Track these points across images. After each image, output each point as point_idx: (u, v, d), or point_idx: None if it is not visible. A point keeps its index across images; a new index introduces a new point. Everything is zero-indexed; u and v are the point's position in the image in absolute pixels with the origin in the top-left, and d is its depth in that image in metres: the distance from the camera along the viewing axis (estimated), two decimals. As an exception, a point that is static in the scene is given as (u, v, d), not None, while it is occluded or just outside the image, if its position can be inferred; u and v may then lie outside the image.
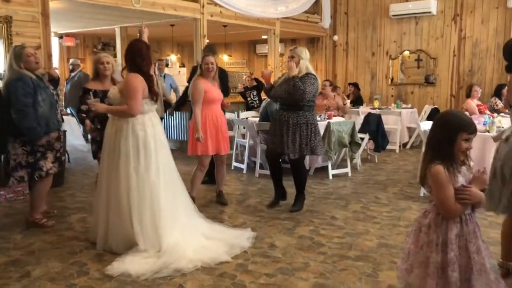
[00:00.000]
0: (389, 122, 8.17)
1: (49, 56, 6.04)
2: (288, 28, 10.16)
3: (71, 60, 8.94)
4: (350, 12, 11.27)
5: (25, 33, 5.67)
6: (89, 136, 4.38)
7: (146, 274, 3.11)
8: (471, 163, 2.13)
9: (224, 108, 5.07)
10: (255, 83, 8.90)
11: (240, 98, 9.37)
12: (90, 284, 3.02)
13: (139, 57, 3.54)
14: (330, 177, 6.10)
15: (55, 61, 9.26)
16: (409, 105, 9.61)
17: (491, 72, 9.39)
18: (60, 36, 11.00)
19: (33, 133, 3.87)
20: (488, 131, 5.10)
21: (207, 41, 8.37)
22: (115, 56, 9.94)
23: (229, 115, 6.31)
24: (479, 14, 9.42)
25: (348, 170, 6.32)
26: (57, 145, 4.15)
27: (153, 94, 3.62)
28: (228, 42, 12.58)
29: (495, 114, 6.22)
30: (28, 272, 3.21)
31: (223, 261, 3.34)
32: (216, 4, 8.25)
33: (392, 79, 10.81)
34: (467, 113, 6.74)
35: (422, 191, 5.17)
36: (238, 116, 7.41)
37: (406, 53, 10.49)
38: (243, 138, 6.82)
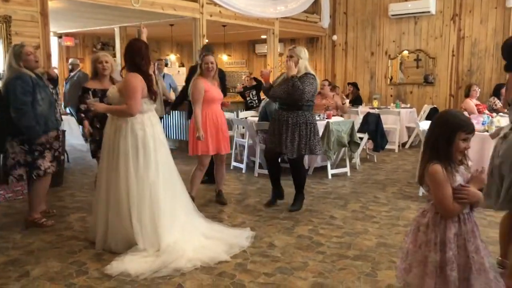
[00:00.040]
0: (388, 121, 8.17)
1: (48, 56, 6.03)
2: (287, 28, 10.17)
3: (70, 60, 8.94)
4: (349, 11, 11.28)
5: (24, 32, 5.67)
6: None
7: (145, 274, 3.11)
8: (469, 163, 2.14)
9: (225, 107, 5.07)
10: (254, 83, 8.91)
11: (239, 98, 9.38)
12: (89, 284, 3.02)
13: (138, 56, 3.54)
14: (329, 176, 6.11)
15: (54, 61, 9.26)
16: (408, 105, 9.62)
17: (490, 72, 9.40)
18: (59, 36, 11.00)
19: (32, 132, 3.87)
20: (487, 131, 5.10)
21: (207, 40, 8.37)
22: (114, 56, 9.94)
23: (228, 115, 6.31)
24: (478, 14, 9.43)
25: (347, 169, 6.33)
26: (55, 144, 4.16)
27: (152, 94, 3.62)
28: (228, 42, 12.58)
29: (494, 114, 6.23)
30: (27, 271, 3.21)
31: (222, 261, 3.35)
32: (215, 4, 8.25)
33: (391, 79, 10.82)
34: (466, 112, 6.76)
35: (421, 191, 5.18)
36: (237, 116, 7.41)
37: (405, 53, 10.50)
38: (242, 138, 6.83)
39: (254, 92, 8.73)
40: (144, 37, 3.93)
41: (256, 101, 8.65)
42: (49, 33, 6.13)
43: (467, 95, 7.53)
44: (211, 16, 8.27)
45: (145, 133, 3.52)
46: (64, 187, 5.71)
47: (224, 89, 5.81)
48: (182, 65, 12.94)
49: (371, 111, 7.77)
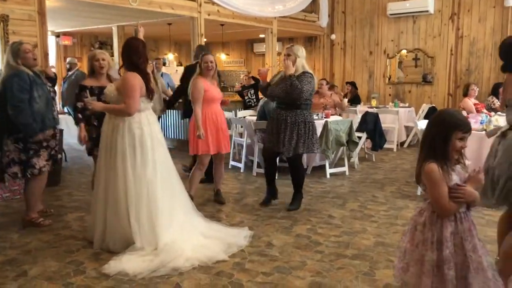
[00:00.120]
0: (387, 121, 8.16)
1: (45, 55, 6.02)
2: (285, 27, 10.16)
3: (68, 59, 8.92)
4: (348, 11, 11.28)
5: (21, 31, 5.65)
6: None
7: (143, 273, 3.10)
8: (466, 162, 2.14)
9: (224, 105, 5.07)
10: (252, 82, 8.89)
11: (237, 97, 9.37)
12: (87, 283, 3.02)
13: (135, 55, 3.54)
14: (328, 176, 6.11)
15: (52, 60, 9.24)
16: (407, 104, 9.62)
17: (488, 71, 9.41)
18: (57, 35, 10.97)
19: (29, 129, 3.86)
20: (485, 130, 5.11)
21: (205, 40, 8.36)
22: (112, 55, 9.92)
23: (226, 114, 6.31)
24: (476, 13, 9.43)
25: (345, 169, 6.33)
26: (52, 143, 4.14)
27: (149, 92, 3.62)
28: (226, 41, 12.57)
29: (492, 113, 6.23)
30: (25, 271, 3.20)
31: (220, 260, 3.34)
32: (213, 3, 8.24)
33: (389, 78, 10.82)
34: (464, 112, 6.76)
35: (419, 190, 5.17)
36: (236, 115, 7.40)
37: (404, 52, 10.50)
38: (241, 137, 6.82)
39: (252, 91, 8.72)
40: (141, 36, 3.93)
41: (255, 100, 8.64)
42: (46, 32, 6.11)
43: (466, 94, 7.53)
44: (209, 15, 8.26)
45: (143, 132, 3.52)
46: (62, 186, 5.70)
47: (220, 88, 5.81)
48: (180, 64, 12.92)
49: (370, 110, 7.77)
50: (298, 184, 4.72)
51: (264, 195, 4.88)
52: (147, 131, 3.54)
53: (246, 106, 8.62)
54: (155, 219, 3.47)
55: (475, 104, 7.27)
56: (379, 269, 3.23)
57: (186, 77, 5.86)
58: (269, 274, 3.15)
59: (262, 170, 5.99)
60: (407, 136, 8.80)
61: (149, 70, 3.67)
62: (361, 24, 11.08)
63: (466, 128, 2.05)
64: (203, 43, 8.15)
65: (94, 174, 4.09)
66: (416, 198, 5.06)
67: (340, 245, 3.70)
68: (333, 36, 11.56)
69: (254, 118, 6.55)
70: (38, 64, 4.27)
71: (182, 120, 8.04)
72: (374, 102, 9.29)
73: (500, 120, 5.31)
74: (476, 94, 7.60)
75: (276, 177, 4.94)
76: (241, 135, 6.95)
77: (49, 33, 7.45)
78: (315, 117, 6.14)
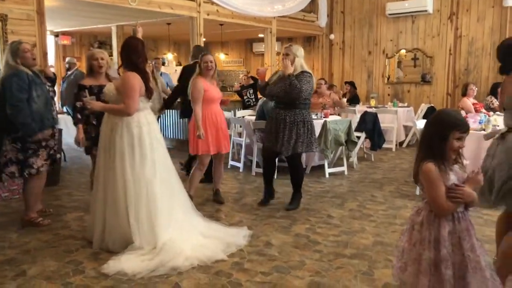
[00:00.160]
0: (386, 120, 8.17)
1: (44, 55, 6.01)
2: (284, 26, 10.16)
3: (67, 59, 8.91)
4: (347, 10, 11.28)
5: (20, 31, 5.65)
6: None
7: (142, 273, 3.11)
8: (465, 161, 2.14)
9: (225, 105, 5.08)
10: (251, 82, 8.90)
11: (236, 97, 9.37)
12: (86, 283, 3.02)
13: (134, 54, 3.54)
14: (327, 175, 6.11)
15: (51, 60, 9.23)
16: (406, 104, 9.63)
17: (487, 71, 9.42)
18: (56, 35, 10.96)
19: (28, 129, 3.86)
20: (484, 130, 5.11)
21: (204, 39, 8.35)
22: (111, 54, 9.91)
23: (225, 114, 6.32)
24: (475, 12, 9.44)
25: (344, 168, 6.33)
26: (51, 143, 4.14)
27: (148, 92, 3.62)
28: (225, 40, 12.58)
29: (491, 113, 6.24)
30: (24, 271, 3.20)
31: (219, 260, 3.35)
32: (212, 3, 8.24)
33: (388, 78, 10.83)
34: (463, 111, 6.77)
35: (418, 190, 5.18)
36: (235, 115, 7.41)
37: (403, 51, 10.51)
38: (240, 137, 6.82)
39: (251, 91, 8.73)
40: (139, 36, 3.93)
41: (254, 100, 8.64)
42: (45, 31, 6.10)
43: (464, 94, 7.54)
44: (208, 15, 8.26)
45: (141, 131, 3.52)
46: (61, 186, 5.70)
47: None
48: (179, 64, 12.92)
49: (369, 110, 7.77)
50: (297, 183, 4.73)
51: (262, 195, 4.88)
52: (146, 130, 3.55)
53: (245, 106, 8.63)
54: (154, 218, 3.47)
55: (473, 104, 7.28)
56: (377, 268, 3.23)
57: (184, 77, 5.87)
58: (268, 273, 3.16)
59: (261, 170, 5.99)
60: (406, 135, 8.80)
61: (148, 70, 3.67)
62: (360, 24, 11.09)
63: (464, 128, 2.05)
64: (202, 43, 8.16)
65: (93, 174, 4.10)
66: (414, 198, 5.06)
67: (339, 244, 3.70)
68: (332, 36, 11.56)
69: (253, 118, 6.56)
70: (37, 63, 4.27)
71: (181, 120, 8.04)
72: (373, 102, 9.29)
73: (498, 120, 5.31)
74: (475, 93, 7.61)
75: (275, 177, 4.95)
76: (240, 134, 6.95)
77: (48, 32, 7.44)
78: (314, 116, 6.15)
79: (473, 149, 4.71)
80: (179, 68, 12.08)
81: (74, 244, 3.69)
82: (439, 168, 2.03)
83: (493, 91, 7.46)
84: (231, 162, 6.72)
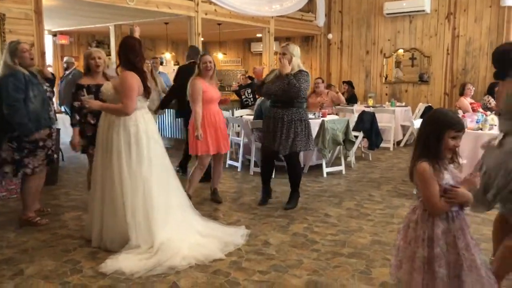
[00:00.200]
0: (383, 120, 8.19)
1: (42, 54, 6.00)
2: (282, 26, 10.17)
3: (65, 58, 8.89)
4: (345, 10, 11.29)
5: (18, 30, 5.64)
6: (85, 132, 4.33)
7: (140, 272, 3.11)
8: (461, 161, 2.15)
9: (225, 104, 5.08)
10: (249, 81, 8.90)
11: (235, 96, 9.38)
12: (84, 282, 3.02)
13: (132, 53, 3.54)
14: (324, 175, 6.12)
15: (49, 59, 9.22)
16: (403, 103, 9.64)
17: (484, 70, 9.44)
18: (54, 34, 10.95)
19: (24, 129, 3.86)
20: (481, 129, 5.13)
21: (202, 39, 8.35)
22: (109, 54, 9.90)
23: (224, 114, 6.34)
24: (472, 12, 9.46)
25: (342, 168, 6.34)
26: (48, 143, 4.13)
27: (146, 92, 3.62)
28: (223, 40, 12.58)
29: (488, 112, 6.26)
30: (21, 270, 3.20)
31: (217, 259, 3.35)
32: (210, 2, 8.24)
33: (386, 78, 10.85)
34: (460, 111, 6.80)
35: (416, 189, 5.19)
36: (233, 114, 7.41)
37: (400, 51, 10.53)
38: (238, 136, 6.83)
39: (249, 91, 8.73)
40: (137, 35, 3.93)
41: (252, 99, 8.65)
42: (43, 31, 6.10)
43: (462, 93, 7.57)
44: (206, 14, 8.26)
45: (138, 129, 3.52)
46: (59, 185, 5.70)
47: None
48: (177, 63, 12.91)
49: (366, 109, 7.78)
50: (295, 182, 4.74)
51: (260, 195, 4.89)
52: (143, 128, 3.55)
53: (243, 106, 8.63)
54: (151, 217, 3.47)
55: (471, 104, 7.31)
56: (375, 267, 3.24)
57: (179, 77, 5.89)
58: (265, 272, 3.16)
59: (259, 169, 6.00)
60: (404, 135, 8.82)
61: (147, 69, 3.68)
62: (358, 24, 11.10)
63: (459, 126, 2.07)
64: (200, 42, 8.16)
65: (89, 173, 4.10)
66: (412, 197, 5.08)
67: (336, 243, 3.71)
68: (330, 36, 11.57)
69: (251, 117, 6.56)
70: (35, 63, 4.27)
71: (178, 120, 8.04)
72: (370, 102, 9.31)
73: (496, 120, 5.33)
74: (472, 93, 7.64)
75: (273, 176, 4.95)
76: (238, 134, 6.95)
77: (45, 32, 7.45)
78: (312, 116, 6.17)
79: (471, 149, 4.73)
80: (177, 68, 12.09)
81: (72, 244, 3.70)
82: (433, 167, 2.04)
83: (490, 91, 7.48)
84: (229, 162, 6.73)
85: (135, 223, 3.43)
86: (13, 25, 5.63)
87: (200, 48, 7.98)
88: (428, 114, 2.23)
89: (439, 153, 2.06)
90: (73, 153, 7.51)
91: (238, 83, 9.71)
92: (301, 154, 5.42)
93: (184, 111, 5.62)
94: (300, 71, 4.46)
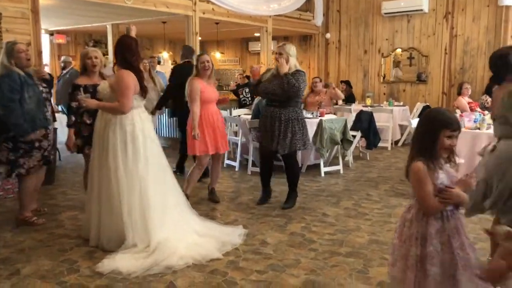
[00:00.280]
0: (381, 119, 8.19)
1: (39, 53, 5.97)
2: (280, 25, 10.16)
3: (62, 58, 8.87)
4: (343, 9, 11.29)
5: (14, 29, 5.62)
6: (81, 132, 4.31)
7: (137, 272, 3.10)
8: (457, 160, 2.15)
9: (224, 103, 5.06)
10: (247, 81, 8.89)
11: (232, 96, 9.37)
12: (81, 282, 3.01)
13: (128, 52, 3.53)
14: (322, 174, 6.12)
15: (46, 59, 9.19)
16: (401, 103, 9.64)
17: (482, 70, 9.44)
18: (51, 33, 10.91)
19: (20, 129, 3.85)
20: (479, 128, 5.13)
21: (199, 38, 8.34)
22: (106, 53, 9.87)
23: (222, 113, 6.33)
24: (470, 12, 9.46)
25: (340, 167, 6.34)
26: (44, 144, 4.11)
27: (143, 90, 3.61)
28: (221, 39, 12.55)
29: (486, 112, 6.26)
30: (18, 270, 3.19)
31: (214, 258, 3.35)
32: (208, 1, 8.22)
33: (384, 77, 10.85)
34: (458, 110, 6.80)
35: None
36: (231, 114, 7.40)
37: (398, 51, 10.53)
38: (236, 136, 6.82)
39: (247, 90, 8.72)
40: (133, 35, 3.91)
41: (249, 98, 8.64)
42: (40, 30, 6.07)
43: (459, 93, 7.57)
44: (203, 13, 8.24)
45: (134, 128, 3.51)
46: (56, 185, 5.68)
47: None
48: (175, 62, 12.88)
49: (364, 109, 7.79)
50: (293, 182, 4.73)
51: (260, 195, 4.88)
52: (139, 127, 3.54)
53: (241, 105, 8.62)
54: (148, 216, 3.46)
55: (469, 103, 7.31)
56: (373, 266, 3.24)
57: (174, 77, 5.88)
58: (263, 272, 3.16)
59: (257, 169, 5.99)
60: (402, 134, 8.83)
61: (145, 69, 3.67)
62: (356, 23, 11.10)
63: (454, 126, 2.06)
64: (198, 42, 8.14)
65: (86, 173, 4.09)
66: (409, 196, 5.06)
67: (334, 243, 3.71)
68: (328, 35, 11.57)
69: (249, 116, 6.55)
70: (32, 64, 4.26)
71: (175, 119, 8.03)
72: (368, 101, 9.31)
73: (493, 119, 5.33)
74: (470, 92, 7.64)
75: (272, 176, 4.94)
76: (236, 133, 6.94)
77: (42, 31, 7.41)
78: (309, 115, 6.18)
79: (468, 148, 4.73)
80: (172, 68, 12.08)
81: (69, 243, 3.69)
82: (428, 167, 2.04)
83: (488, 90, 7.47)
84: (227, 161, 6.72)
85: (131, 222, 3.42)
86: (9, 24, 5.60)
87: (198, 47, 7.98)
88: (424, 114, 2.22)
89: (435, 152, 2.05)
90: (70, 153, 7.55)
91: (236, 82, 9.70)
92: (299, 154, 5.42)
93: (178, 111, 5.60)
94: (298, 71, 4.46)
